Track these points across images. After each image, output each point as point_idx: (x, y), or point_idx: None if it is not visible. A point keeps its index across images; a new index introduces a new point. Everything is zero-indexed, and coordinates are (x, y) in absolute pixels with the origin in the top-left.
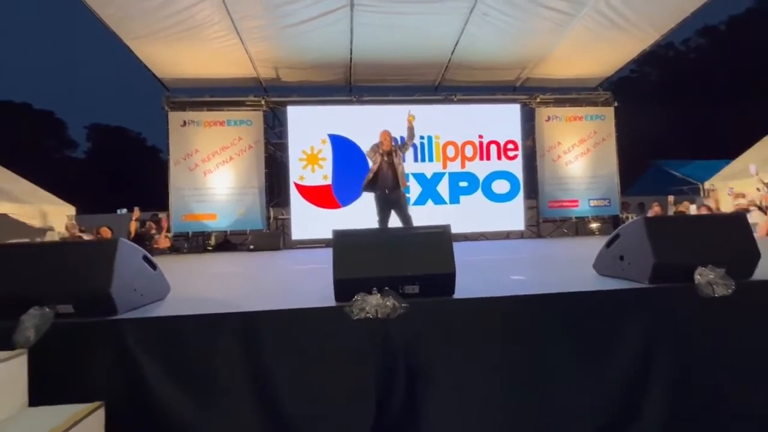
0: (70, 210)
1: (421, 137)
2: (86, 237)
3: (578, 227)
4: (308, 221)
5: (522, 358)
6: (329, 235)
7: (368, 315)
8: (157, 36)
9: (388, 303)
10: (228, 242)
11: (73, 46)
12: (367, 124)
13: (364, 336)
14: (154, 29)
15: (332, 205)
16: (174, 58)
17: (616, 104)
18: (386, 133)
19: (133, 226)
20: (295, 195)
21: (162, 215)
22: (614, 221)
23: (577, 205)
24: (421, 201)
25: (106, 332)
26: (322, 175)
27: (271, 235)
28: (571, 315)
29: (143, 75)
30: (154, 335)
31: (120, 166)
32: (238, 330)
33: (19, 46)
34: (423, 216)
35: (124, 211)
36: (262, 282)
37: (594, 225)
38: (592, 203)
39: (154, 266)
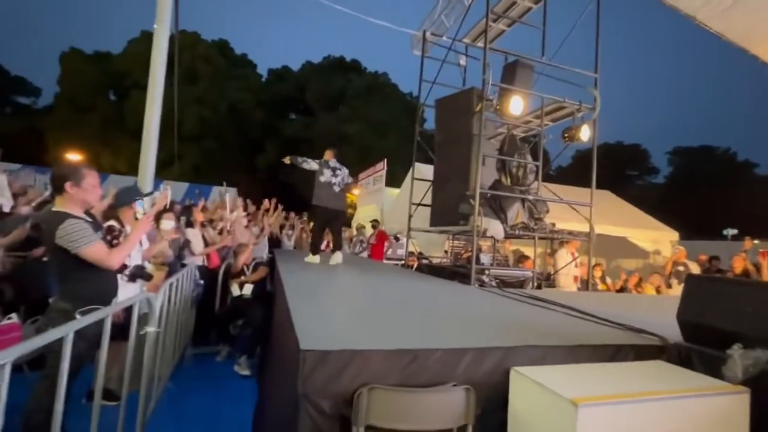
0: (674, 235)
1: None
2: (695, 266)
3: None
4: None
5: None
6: None
7: None
8: None
9: None
10: None
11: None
12: None
13: None
14: None
15: None
16: None
17: None
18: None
19: (741, 259)
20: None
21: None
22: None
23: None
24: None
25: None
26: None
27: None
28: None
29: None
30: None
31: (705, 187)
32: None
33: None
34: None
35: (732, 232)
36: None
37: None
38: None
39: None
